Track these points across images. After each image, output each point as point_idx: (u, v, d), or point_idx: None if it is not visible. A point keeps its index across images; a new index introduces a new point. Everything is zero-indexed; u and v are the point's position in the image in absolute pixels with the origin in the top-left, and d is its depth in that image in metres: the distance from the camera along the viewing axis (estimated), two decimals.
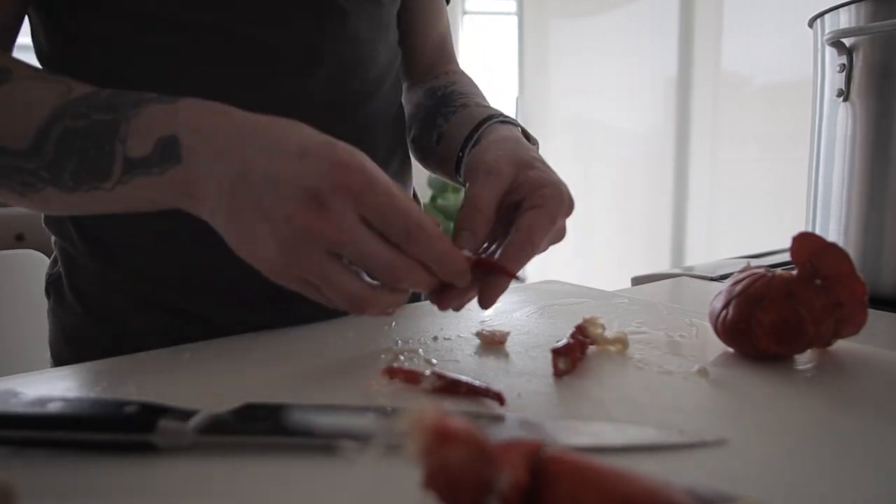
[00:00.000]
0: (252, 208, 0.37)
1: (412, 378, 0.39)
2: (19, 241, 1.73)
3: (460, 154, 0.57)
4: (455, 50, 0.77)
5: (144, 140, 0.40)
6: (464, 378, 0.38)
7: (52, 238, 0.60)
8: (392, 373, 0.40)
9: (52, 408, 0.31)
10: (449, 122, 0.62)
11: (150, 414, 0.31)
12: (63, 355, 0.61)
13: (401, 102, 0.68)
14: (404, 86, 0.73)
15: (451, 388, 0.38)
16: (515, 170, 0.46)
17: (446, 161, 0.61)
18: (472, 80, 0.71)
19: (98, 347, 0.57)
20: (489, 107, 0.62)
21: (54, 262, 0.62)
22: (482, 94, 0.67)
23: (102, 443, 0.31)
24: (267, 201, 0.36)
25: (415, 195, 0.71)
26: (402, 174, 0.67)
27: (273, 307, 0.55)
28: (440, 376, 0.38)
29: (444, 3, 0.75)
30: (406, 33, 0.70)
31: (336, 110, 0.57)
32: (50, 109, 0.42)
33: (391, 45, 0.64)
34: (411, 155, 0.69)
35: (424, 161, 0.67)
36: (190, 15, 0.51)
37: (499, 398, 0.36)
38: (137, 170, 0.40)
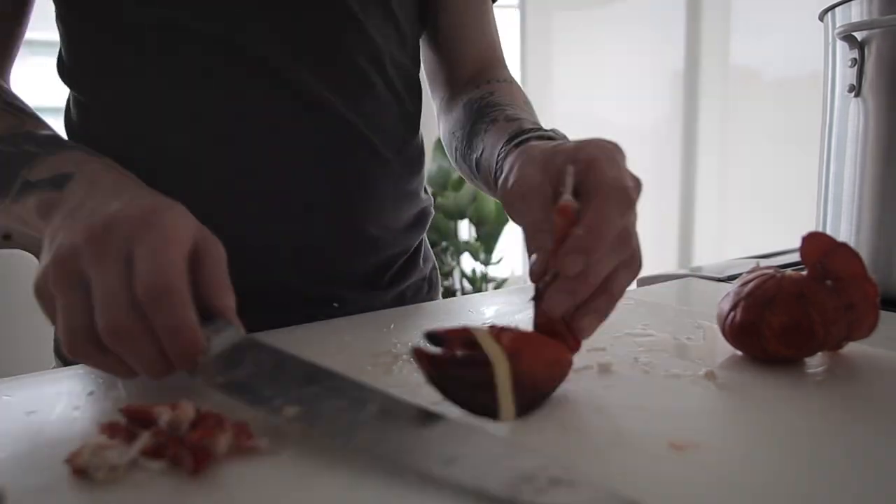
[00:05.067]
0: (68, 227, 0.38)
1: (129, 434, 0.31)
2: (7, 240, 1.75)
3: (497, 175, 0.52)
4: (503, 55, 0.71)
5: (48, 171, 0.45)
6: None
7: None
8: (112, 430, 0.31)
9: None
10: (484, 143, 0.57)
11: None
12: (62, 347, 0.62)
13: (416, 103, 0.66)
14: (446, 96, 0.71)
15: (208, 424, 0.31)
16: (543, 172, 0.41)
17: (489, 184, 0.57)
18: (512, 89, 0.65)
19: None
20: (520, 118, 0.55)
21: None
22: (520, 103, 0.61)
23: None
24: (91, 216, 0.38)
25: (425, 190, 0.71)
26: (411, 171, 0.66)
27: (263, 315, 0.54)
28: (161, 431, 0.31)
29: (489, 7, 0.71)
30: (448, 40, 0.68)
31: (341, 111, 0.57)
32: None
33: (406, 51, 0.64)
34: (460, 173, 0.67)
35: (474, 182, 0.63)
36: (194, 22, 0.53)
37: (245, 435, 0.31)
38: (26, 190, 0.45)
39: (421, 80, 0.69)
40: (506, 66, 0.71)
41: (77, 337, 0.35)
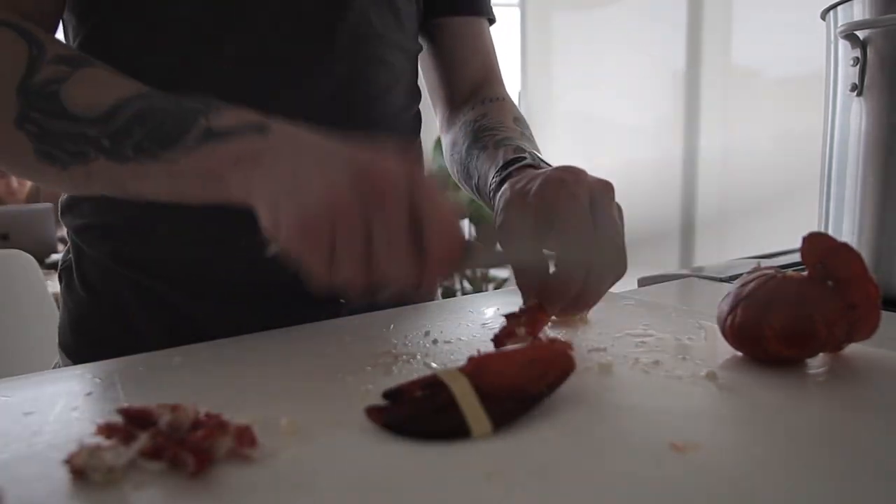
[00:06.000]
0: (316, 162, 0.37)
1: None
2: (4, 240, 1.76)
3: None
4: (499, 71, 0.76)
5: (234, 120, 0.40)
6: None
7: (66, 229, 0.63)
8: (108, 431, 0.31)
9: None
10: (478, 171, 0.62)
11: None
12: (67, 339, 0.62)
13: (416, 103, 0.68)
14: (446, 113, 0.74)
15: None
16: (520, 212, 0.47)
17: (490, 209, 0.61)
18: (503, 107, 0.70)
19: (100, 335, 0.60)
20: (505, 145, 0.60)
21: (67, 252, 0.65)
22: (509, 124, 0.66)
23: None
24: (338, 159, 0.37)
25: None
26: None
27: (269, 313, 0.55)
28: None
29: (486, 26, 0.75)
30: (446, 60, 0.72)
31: (345, 107, 0.58)
32: (138, 90, 0.43)
33: (407, 51, 0.65)
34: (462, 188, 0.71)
35: (478, 201, 0.67)
36: (199, 10, 0.53)
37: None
38: (213, 138, 0.40)
39: (420, 84, 0.70)
40: (502, 83, 0.76)
41: (353, 277, 0.37)
